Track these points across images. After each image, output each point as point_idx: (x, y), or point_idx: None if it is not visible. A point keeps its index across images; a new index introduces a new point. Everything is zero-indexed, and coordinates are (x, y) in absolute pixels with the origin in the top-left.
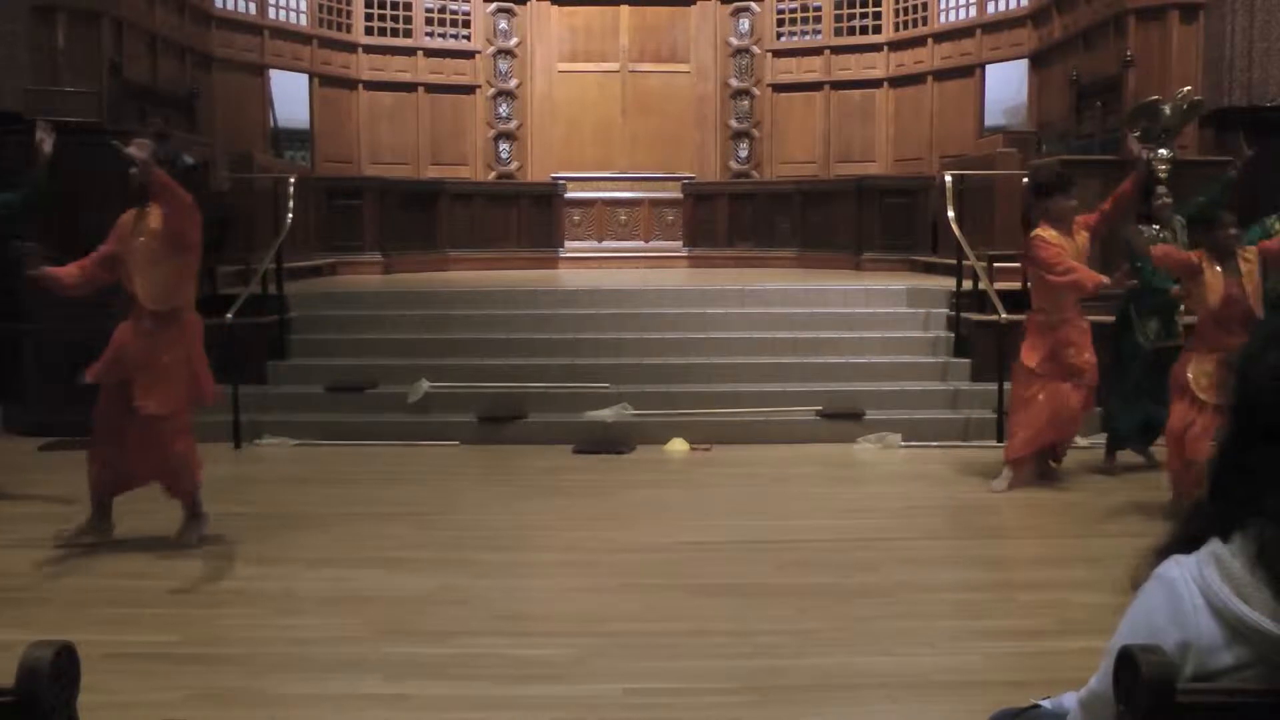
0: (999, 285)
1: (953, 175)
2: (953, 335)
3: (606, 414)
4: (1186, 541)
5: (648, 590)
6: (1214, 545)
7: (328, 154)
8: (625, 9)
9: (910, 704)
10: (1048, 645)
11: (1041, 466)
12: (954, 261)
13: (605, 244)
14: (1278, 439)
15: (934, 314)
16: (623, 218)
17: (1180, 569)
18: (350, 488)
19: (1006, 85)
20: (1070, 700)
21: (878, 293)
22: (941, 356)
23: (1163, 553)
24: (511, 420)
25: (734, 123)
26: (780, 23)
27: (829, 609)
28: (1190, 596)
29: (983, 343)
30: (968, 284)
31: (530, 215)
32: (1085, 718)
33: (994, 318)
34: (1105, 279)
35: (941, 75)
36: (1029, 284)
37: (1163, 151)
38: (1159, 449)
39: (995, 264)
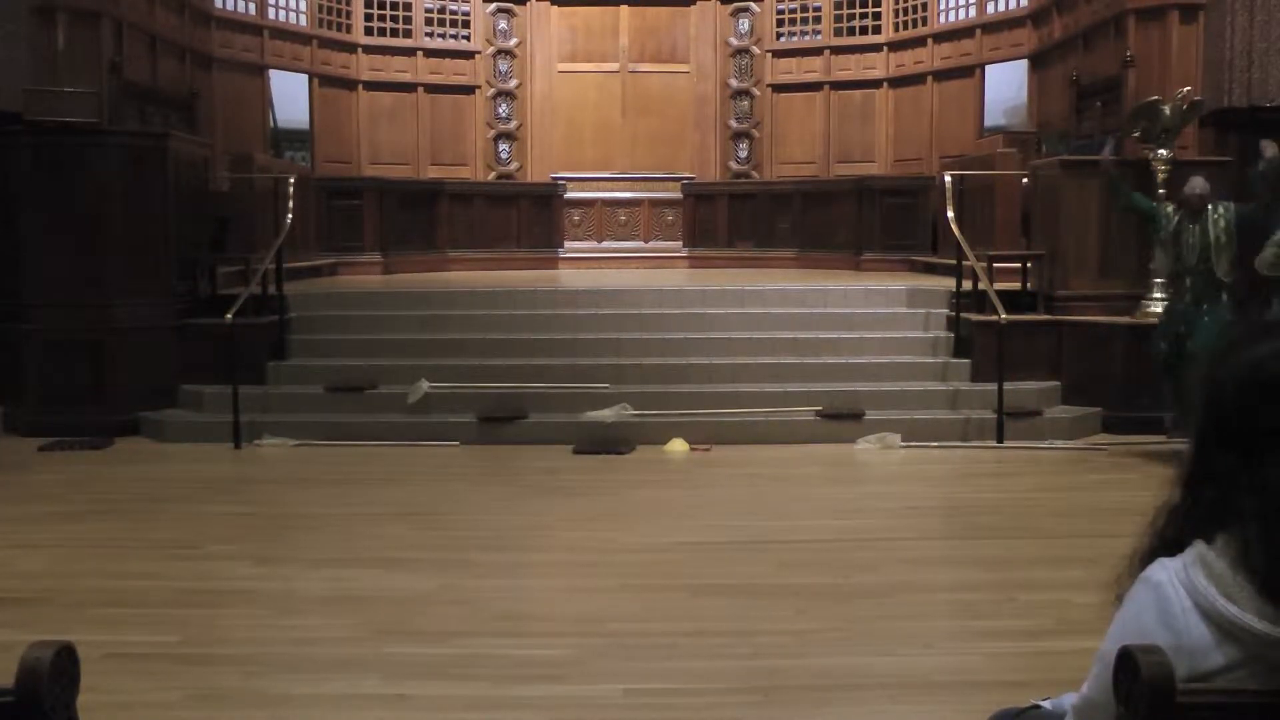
0: (999, 285)
1: (953, 175)
2: (953, 335)
3: (606, 414)
4: (1168, 545)
5: (648, 590)
6: (1199, 547)
7: (328, 154)
8: (625, 9)
9: (910, 704)
10: (1048, 645)
11: None
12: (954, 262)
13: (605, 244)
14: (1247, 441)
15: (934, 314)
16: (622, 218)
17: (1167, 572)
18: (350, 488)
19: (1006, 85)
20: (1071, 701)
21: (878, 293)
22: (941, 357)
23: (1144, 558)
24: (511, 420)
25: (734, 123)
26: (780, 23)
27: (829, 609)
28: (1179, 599)
29: (983, 343)
30: (968, 284)
31: (530, 215)
32: None
33: (994, 318)
34: None
35: (941, 75)
36: None
37: (1162, 152)
38: None
39: (995, 264)
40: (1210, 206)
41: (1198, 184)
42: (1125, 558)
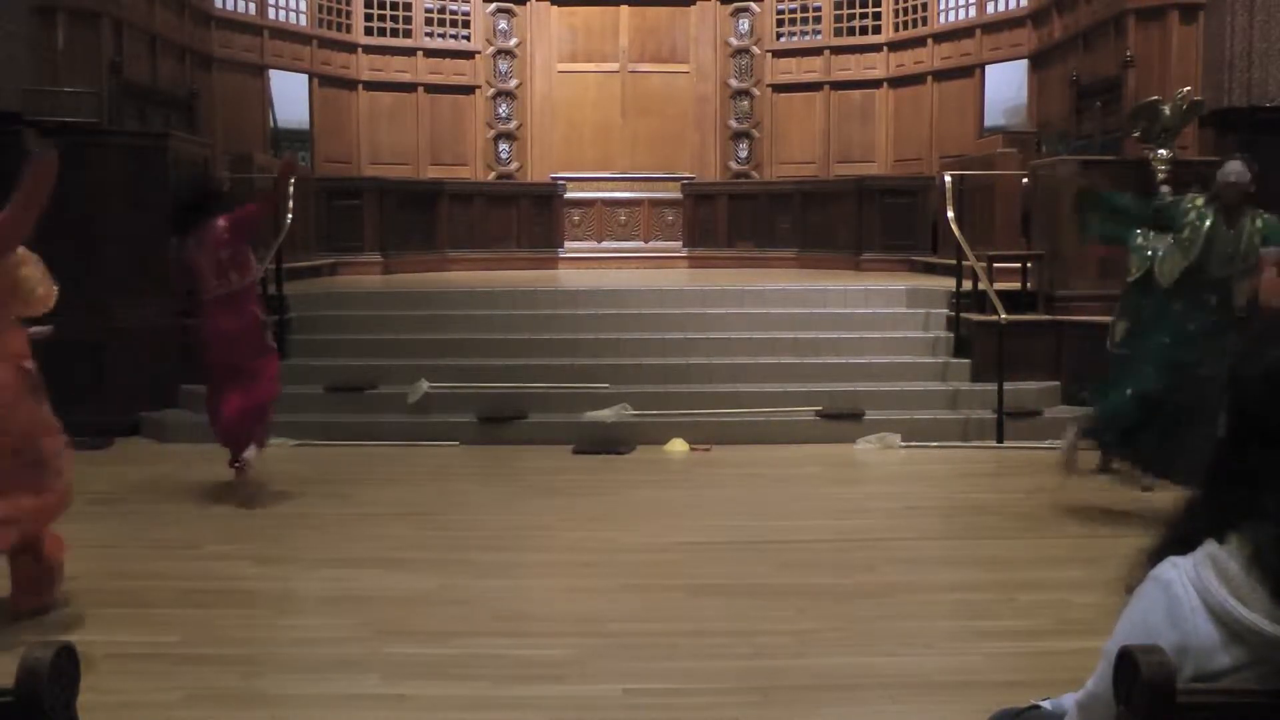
0: (999, 285)
1: (953, 175)
2: (953, 335)
3: (606, 414)
4: (1180, 543)
5: (648, 590)
6: (1210, 546)
7: (328, 154)
8: (625, 9)
9: (910, 704)
10: (1048, 645)
11: None
12: (954, 262)
13: (605, 244)
14: (1272, 440)
15: (934, 314)
16: (622, 218)
17: (1177, 571)
18: (350, 488)
19: (1006, 85)
20: (1070, 701)
21: (878, 293)
22: (941, 357)
23: (1156, 555)
24: (511, 420)
25: (734, 123)
26: (780, 23)
27: (829, 609)
28: (1187, 598)
29: (983, 343)
30: (968, 284)
31: (530, 215)
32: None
33: (994, 318)
34: None
35: (941, 75)
36: None
37: (1163, 152)
38: None
39: (995, 264)
40: (1250, 213)
41: (1233, 169)
42: (1137, 552)
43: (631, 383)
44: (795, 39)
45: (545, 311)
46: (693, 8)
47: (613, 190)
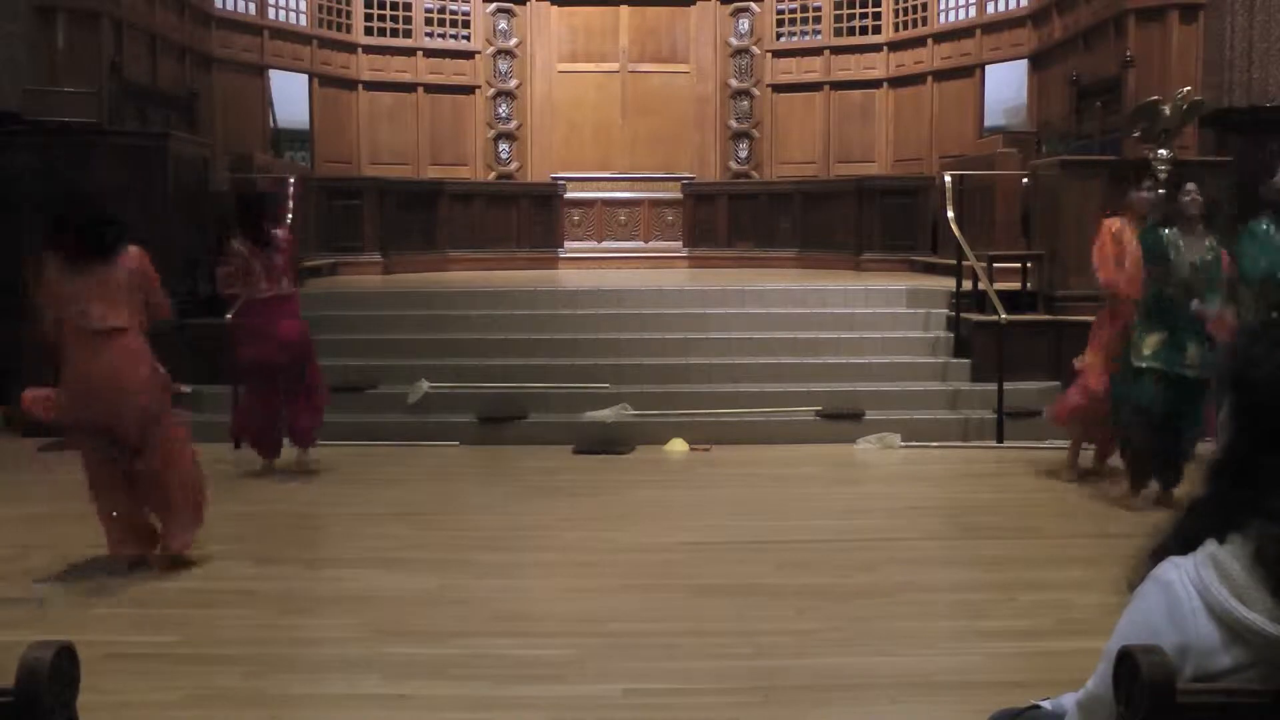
0: (999, 285)
1: (953, 175)
2: (953, 336)
3: (606, 414)
4: (1181, 543)
5: (648, 590)
6: (1211, 547)
7: (328, 154)
8: (625, 9)
9: (910, 704)
10: (1048, 645)
11: None
12: (954, 262)
13: (605, 244)
14: (1277, 442)
15: (934, 314)
16: (622, 218)
17: (1178, 571)
18: (350, 488)
19: (1006, 85)
20: (1070, 701)
21: (878, 293)
22: (941, 357)
23: (1157, 554)
24: (511, 420)
25: (734, 123)
26: (780, 23)
27: (829, 609)
28: (1189, 599)
29: (983, 343)
30: (968, 284)
31: (530, 215)
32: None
33: (994, 318)
34: None
35: (941, 75)
36: None
37: (1163, 152)
38: None
39: (995, 264)
40: None
41: None
42: (1139, 551)
43: (631, 383)
44: (795, 39)
45: (545, 311)
46: (693, 8)
47: (613, 190)
